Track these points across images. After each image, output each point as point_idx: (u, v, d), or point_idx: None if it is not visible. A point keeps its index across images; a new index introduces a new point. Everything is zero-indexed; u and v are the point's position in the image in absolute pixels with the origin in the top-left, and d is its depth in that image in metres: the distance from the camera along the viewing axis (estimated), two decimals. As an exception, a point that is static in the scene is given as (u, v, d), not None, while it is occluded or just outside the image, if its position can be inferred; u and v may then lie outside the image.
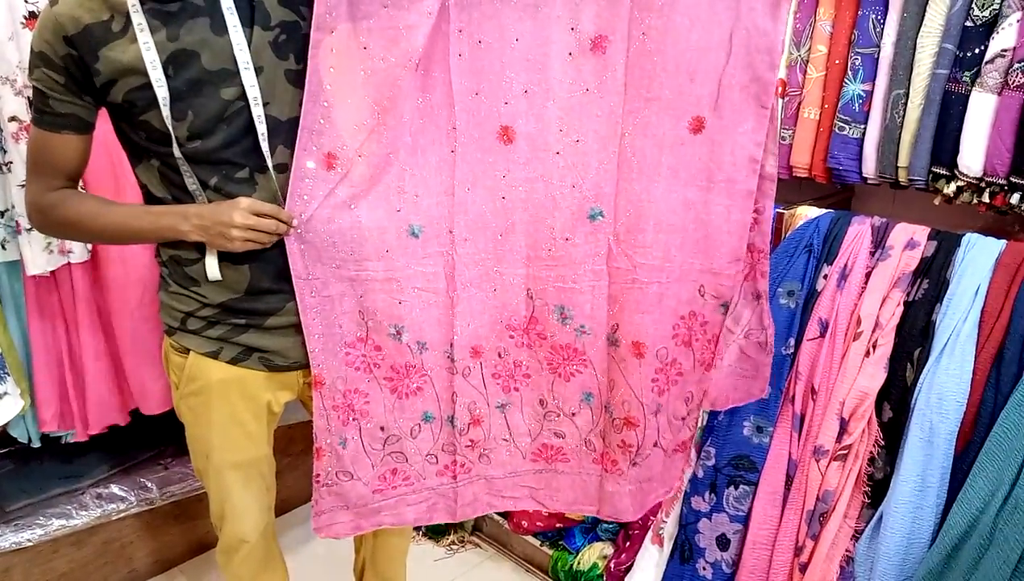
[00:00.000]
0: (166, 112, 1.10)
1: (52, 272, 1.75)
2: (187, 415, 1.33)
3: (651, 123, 1.20)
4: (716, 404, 1.42)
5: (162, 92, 1.10)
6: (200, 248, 1.19)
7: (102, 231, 1.22)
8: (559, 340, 1.34)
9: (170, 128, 1.11)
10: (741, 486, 1.51)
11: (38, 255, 1.69)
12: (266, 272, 1.21)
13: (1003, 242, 1.29)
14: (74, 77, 1.12)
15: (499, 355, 1.36)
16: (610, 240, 1.27)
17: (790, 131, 1.67)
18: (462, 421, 1.37)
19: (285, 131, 1.17)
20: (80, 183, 1.26)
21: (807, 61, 1.61)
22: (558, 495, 1.45)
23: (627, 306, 1.29)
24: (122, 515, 1.98)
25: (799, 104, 1.64)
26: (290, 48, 1.16)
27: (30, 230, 1.66)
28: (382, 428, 1.34)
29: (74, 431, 1.92)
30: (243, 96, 1.13)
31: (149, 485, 2.04)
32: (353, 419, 1.31)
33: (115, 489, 2.01)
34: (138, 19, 1.08)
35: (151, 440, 2.18)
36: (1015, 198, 1.36)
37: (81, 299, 1.82)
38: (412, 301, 1.28)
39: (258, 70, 1.14)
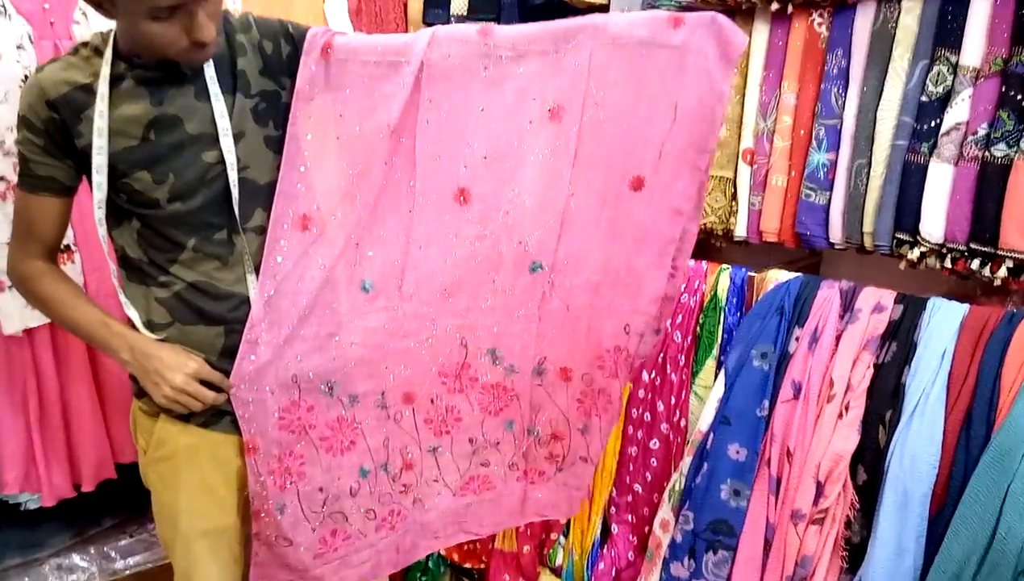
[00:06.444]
0: (99, 179, 1.12)
1: (26, 330, 1.72)
2: (155, 482, 1.30)
3: (596, 182, 1.26)
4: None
5: (99, 158, 1.11)
6: (174, 314, 1.20)
7: (64, 321, 1.24)
8: (489, 380, 1.40)
9: (95, 193, 1.13)
10: (720, 551, 1.50)
11: (16, 313, 1.67)
12: (241, 333, 1.20)
13: (966, 306, 1.32)
14: (54, 140, 1.13)
15: (431, 401, 1.40)
16: (546, 287, 1.34)
17: (759, 197, 1.72)
18: (395, 466, 1.40)
19: (264, 195, 1.19)
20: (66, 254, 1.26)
21: (773, 131, 1.67)
22: (484, 520, 1.50)
23: (557, 338, 1.37)
24: (83, 587, 1.91)
25: (767, 172, 1.69)
26: (269, 115, 1.19)
27: (10, 288, 1.65)
28: (320, 489, 1.33)
29: (36, 496, 1.86)
30: (223, 160, 1.15)
31: (112, 555, 1.98)
32: (291, 483, 1.30)
33: (76, 559, 1.94)
34: (102, 88, 1.10)
35: (114, 508, 2.10)
36: (975, 264, 1.40)
37: (60, 358, 1.79)
38: (346, 355, 1.30)
39: (239, 135, 1.16)
